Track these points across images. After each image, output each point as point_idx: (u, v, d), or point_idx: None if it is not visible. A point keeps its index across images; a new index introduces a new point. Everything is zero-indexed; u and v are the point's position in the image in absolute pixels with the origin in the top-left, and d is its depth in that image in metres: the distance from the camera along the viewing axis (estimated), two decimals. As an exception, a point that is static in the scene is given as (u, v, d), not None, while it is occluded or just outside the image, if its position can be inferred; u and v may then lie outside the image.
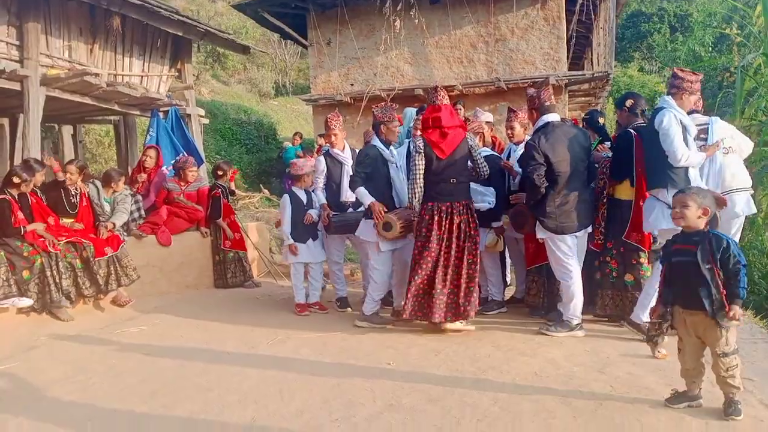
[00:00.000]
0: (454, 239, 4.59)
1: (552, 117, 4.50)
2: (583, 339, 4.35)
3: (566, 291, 4.47)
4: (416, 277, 4.59)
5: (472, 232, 4.63)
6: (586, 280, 4.66)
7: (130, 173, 8.03)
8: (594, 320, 4.82)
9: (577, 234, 4.49)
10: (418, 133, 5.55)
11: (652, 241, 4.60)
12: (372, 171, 4.97)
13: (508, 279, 5.91)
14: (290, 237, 5.50)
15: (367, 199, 4.85)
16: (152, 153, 7.47)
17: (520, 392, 3.35)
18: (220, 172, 7.28)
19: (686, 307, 2.98)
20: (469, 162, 4.72)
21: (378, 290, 5.03)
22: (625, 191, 4.61)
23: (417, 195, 4.59)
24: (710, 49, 21.61)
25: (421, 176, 4.57)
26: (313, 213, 5.54)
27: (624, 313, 4.57)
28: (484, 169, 4.76)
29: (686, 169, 4.07)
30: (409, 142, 5.70)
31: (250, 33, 21.85)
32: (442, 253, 4.59)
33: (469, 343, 4.37)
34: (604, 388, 3.37)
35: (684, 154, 4.00)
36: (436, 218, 4.59)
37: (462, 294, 4.53)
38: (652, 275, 4.29)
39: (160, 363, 4.12)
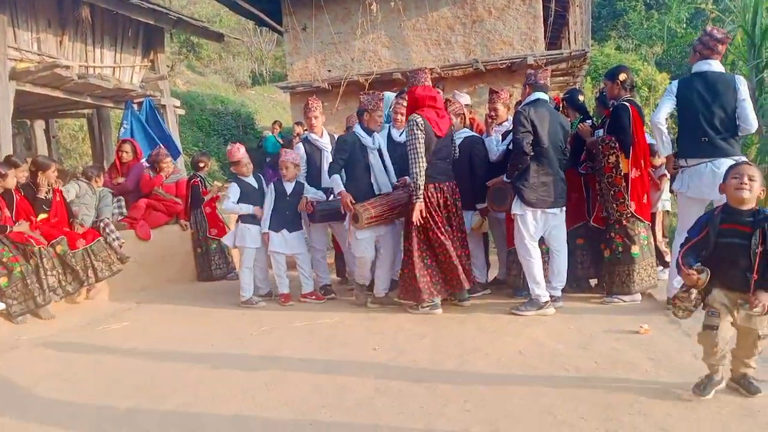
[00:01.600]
0: (453, 217, 4.71)
1: (542, 95, 4.60)
2: (567, 318, 4.39)
3: (528, 271, 4.55)
4: (437, 256, 4.62)
5: (460, 212, 4.79)
6: (595, 259, 4.96)
7: (107, 168, 7.88)
8: (579, 298, 4.88)
9: (552, 211, 4.55)
10: (398, 116, 5.55)
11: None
12: (350, 158, 4.99)
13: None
14: (266, 226, 5.40)
15: (338, 187, 4.91)
16: (128, 147, 7.26)
17: (505, 372, 3.38)
18: (201, 164, 7.23)
19: (733, 289, 2.78)
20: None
21: (360, 276, 5.14)
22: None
23: (421, 171, 4.47)
24: (685, 25, 21.70)
25: (423, 153, 4.48)
26: (313, 197, 5.40)
27: (634, 285, 4.61)
28: (456, 151, 4.93)
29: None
30: (389, 125, 5.67)
31: (224, 21, 21.55)
32: (453, 230, 4.68)
33: (453, 326, 4.39)
34: (589, 364, 3.41)
35: (755, 118, 4.00)
36: (440, 198, 4.63)
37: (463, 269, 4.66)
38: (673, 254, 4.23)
39: (144, 358, 4.08)
